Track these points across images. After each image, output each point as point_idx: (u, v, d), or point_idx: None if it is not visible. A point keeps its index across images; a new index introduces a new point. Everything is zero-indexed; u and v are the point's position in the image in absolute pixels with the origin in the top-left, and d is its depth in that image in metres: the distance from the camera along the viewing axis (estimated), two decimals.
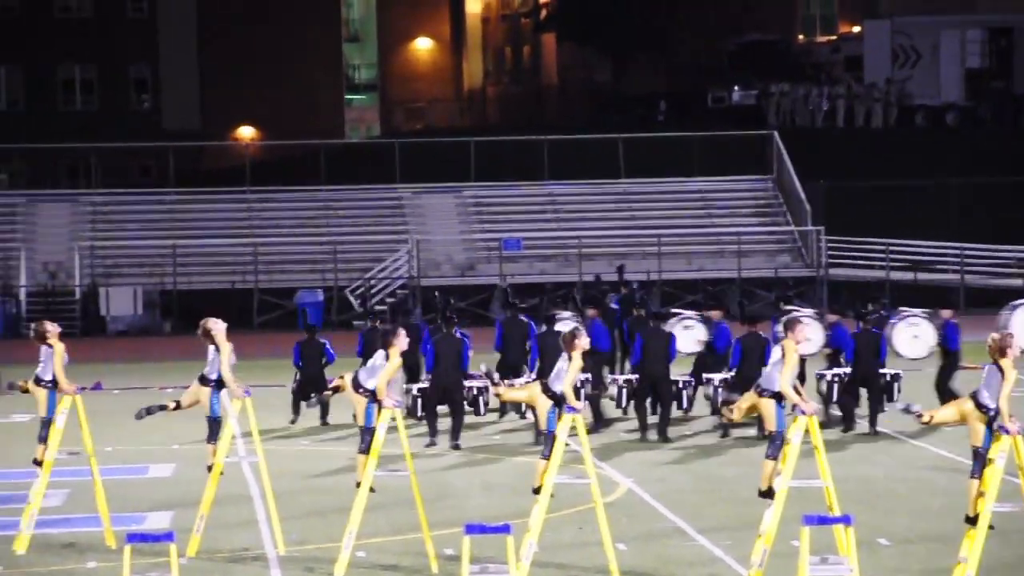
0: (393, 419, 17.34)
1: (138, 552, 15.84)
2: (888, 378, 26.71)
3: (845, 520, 13.87)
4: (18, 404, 28.78)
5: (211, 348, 18.55)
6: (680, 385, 26.64)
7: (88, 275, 49.95)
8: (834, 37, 71.89)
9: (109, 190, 55.25)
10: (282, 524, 19.37)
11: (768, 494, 16.02)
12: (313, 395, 24.12)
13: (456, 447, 25.45)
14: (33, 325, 19.34)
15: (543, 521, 17.53)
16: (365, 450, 17.33)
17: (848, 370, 26.55)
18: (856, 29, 70.35)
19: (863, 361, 26.27)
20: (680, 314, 28.56)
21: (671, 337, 25.94)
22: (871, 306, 29.54)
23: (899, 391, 26.66)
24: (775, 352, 16.31)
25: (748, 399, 16.62)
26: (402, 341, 17.29)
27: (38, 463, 18.89)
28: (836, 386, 26.56)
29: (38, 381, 18.90)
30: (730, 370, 26.30)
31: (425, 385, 26.36)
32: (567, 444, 17.24)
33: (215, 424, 18.67)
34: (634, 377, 25.99)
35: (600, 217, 54.28)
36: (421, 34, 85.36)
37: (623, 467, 23.77)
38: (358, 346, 27.64)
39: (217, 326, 18.54)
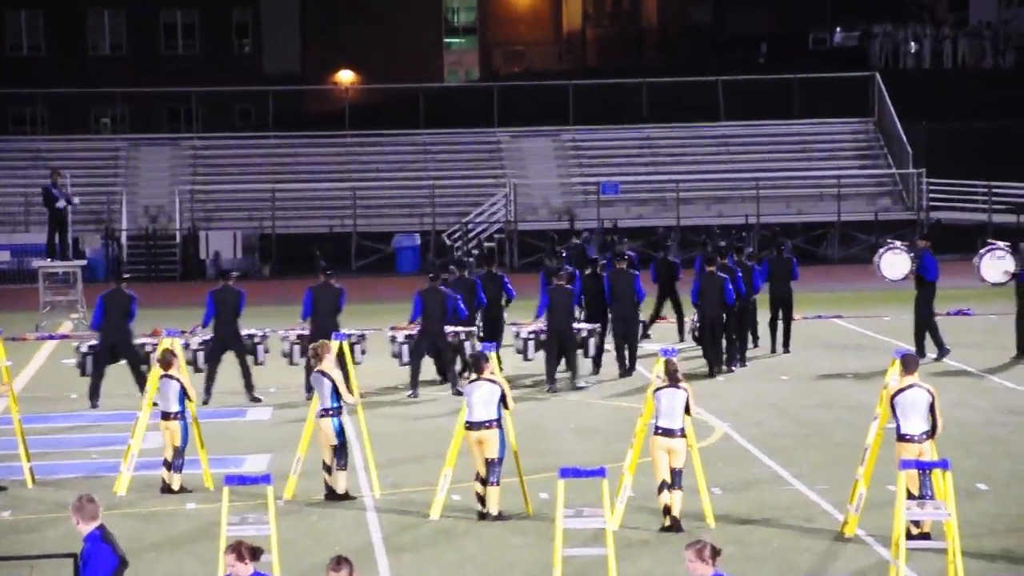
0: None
1: (236, 494, 15.99)
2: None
3: (943, 465, 13.74)
4: None
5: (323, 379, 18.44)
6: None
7: (188, 219, 50.33)
8: None
9: (209, 134, 55.57)
10: (378, 468, 19.48)
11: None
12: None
13: (580, 387, 25.77)
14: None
15: (637, 465, 17.52)
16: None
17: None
18: None
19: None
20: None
21: (636, 278, 26.86)
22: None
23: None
24: None
25: None
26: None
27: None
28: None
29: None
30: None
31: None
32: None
33: (342, 448, 18.55)
34: (541, 328, 26.39)
35: (698, 161, 53.95)
36: None
37: (719, 411, 23.69)
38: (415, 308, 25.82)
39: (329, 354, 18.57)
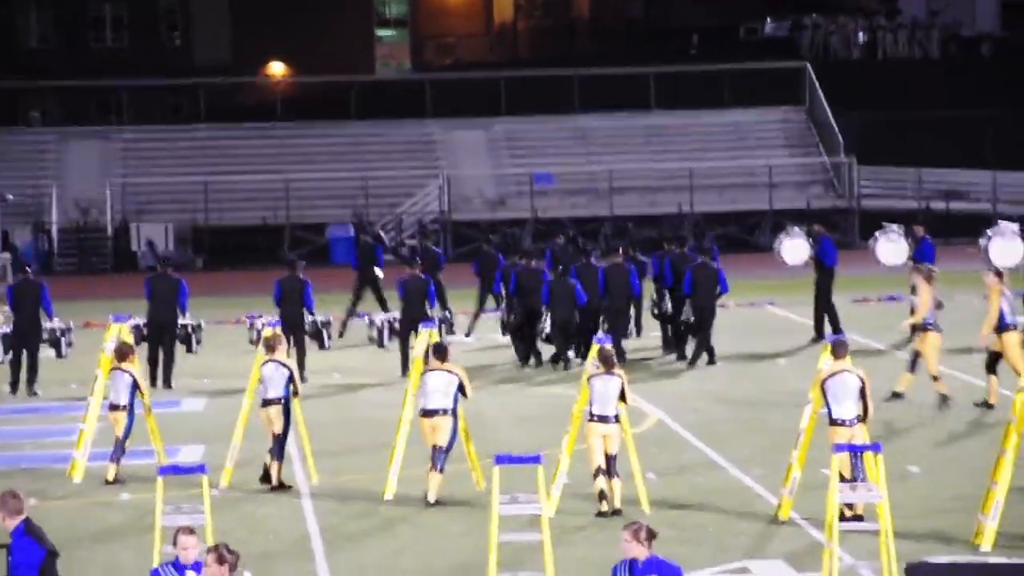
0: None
1: (170, 484, 15.94)
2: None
3: (874, 448, 13.86)
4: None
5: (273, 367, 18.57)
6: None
7: (119, 211, 50.05)
8: None
9: (140, 126, 55.28)
10: (315, 457, 19.45)
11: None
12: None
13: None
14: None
15: (573, 452, 17.58)
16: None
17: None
18: None
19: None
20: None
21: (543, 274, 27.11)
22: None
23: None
24: None
25: None
26: None
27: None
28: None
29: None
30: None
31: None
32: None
33: (284, 439, 18.61)
34: (395, 316, 27.02)
35: (632, 151, 54.09)
36: None
37: (654, 398, 23.79)
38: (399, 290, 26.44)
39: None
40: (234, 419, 19.53)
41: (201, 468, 14.52)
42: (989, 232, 29.52)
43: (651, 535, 11.01)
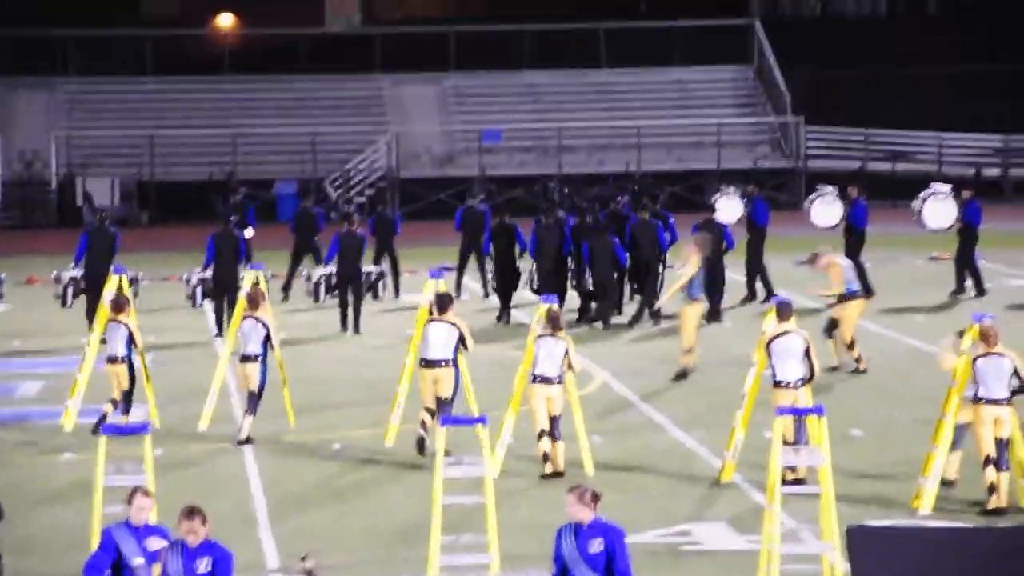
0: None
1: (113, 443, 15.88)
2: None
3: (817, 411, 13.94)
4: None
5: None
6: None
7: (65, 165, 49.69)
8: None
9: (87, 78, 54.84)
10: (258, 418, 19.42)
11: None
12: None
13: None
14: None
15: (518, 412, 17.62)
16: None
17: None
18: None
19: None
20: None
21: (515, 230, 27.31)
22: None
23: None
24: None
25: None
26: None
27: None
28: None
29: None
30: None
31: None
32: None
33: (259, 396, 18.83)
34: (332, 271, 27.04)
35: (581, 108, 54.03)
36: None
37: (599, 360, 23.83)
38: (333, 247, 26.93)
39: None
40: (176, 376, 19.49)
41: (144, 427, 14.46)
42: (922, 194, 30.11)
43: (595, 498, 11.06)
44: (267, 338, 18.64)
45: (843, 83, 53.99)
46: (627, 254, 26.84)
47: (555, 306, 17.68)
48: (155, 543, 11.01)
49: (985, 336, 15.96)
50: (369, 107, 53.62)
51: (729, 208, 29.10)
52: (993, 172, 51.64)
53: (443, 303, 17.99)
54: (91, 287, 25.34)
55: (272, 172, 50.55)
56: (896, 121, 51.85)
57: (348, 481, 17.28)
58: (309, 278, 27.99)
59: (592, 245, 26.37)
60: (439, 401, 17.75)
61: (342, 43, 61.93)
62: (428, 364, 17.84)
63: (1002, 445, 15.77)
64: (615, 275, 26.68)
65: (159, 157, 50.28)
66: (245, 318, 18.78)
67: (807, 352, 16.66)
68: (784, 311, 16.86)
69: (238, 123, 52.04)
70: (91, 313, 25.37)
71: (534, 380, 17.26)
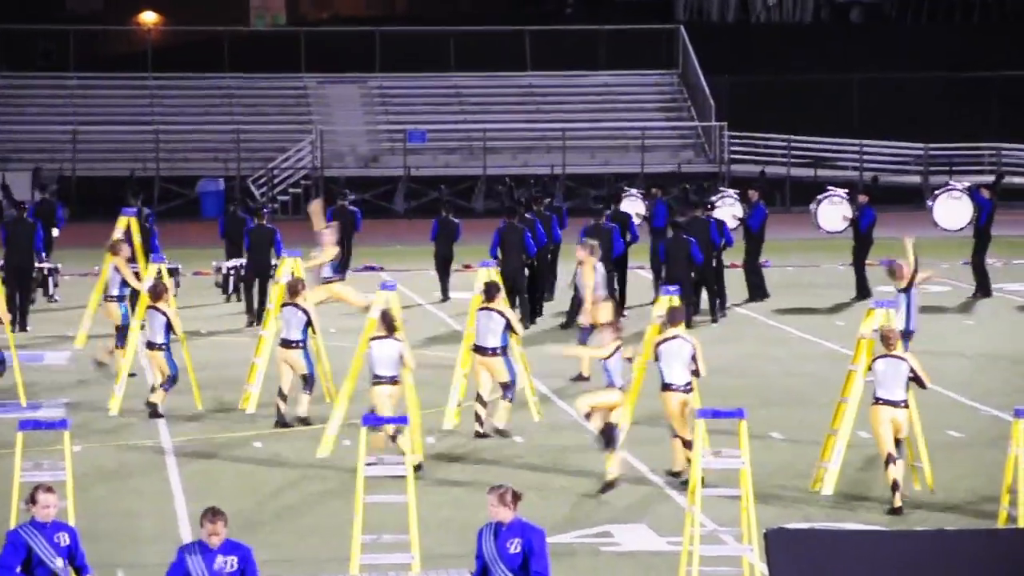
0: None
1: (32, 440, 15.75)
2: None
3: (738, 414, 14.01)
4: None
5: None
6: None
7: None
8: None
9: (9, 73, 54.34)
10: (177, 417, 19.34)
11: None
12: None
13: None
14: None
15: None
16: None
17: None
18: None
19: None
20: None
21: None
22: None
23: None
24: None
25: None
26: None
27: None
28: None
29: None
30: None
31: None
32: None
33: (312, 377, 19.20)
34: (240, 263, 27.46)
35: (506, 110, 54.09)
36: None
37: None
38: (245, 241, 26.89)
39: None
40: (96, 374, 19.32)
41: (63, 423, 14.34)
42: (819, 197, 30.98)
43: (516, 498, 11.08)
44: (308, 324, 19.02)
45: (767, 89, 54.32)
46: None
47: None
48: (64, 540, 10.97)
49: (885, 339, 16.19)
50: (294, 106, 53.46)
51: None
52: (915, 179, 52.10)
53: (490, 291, 18.82)
54: (11, 279, 25.20)
55: (195, 170, 50.30)
56: (818, 127, 52.25)
57: (268, 477, 17.19)
58: (219, 270, 28.10)
59: (668, 244, 26.52)
60: (502, 386, 18.62)
61: (267, 41, 61.72)
62: (478, 350, 18.81)
63: (901, 445, 16.08)
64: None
65: (81, 153, 49.92)
66: (285, 305, 19.13)
67: (693, 357, 16.80)
68: (674, 316, 17.00)
69: (161, 120, 51.74)
70: (10, 304, 25.11)
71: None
